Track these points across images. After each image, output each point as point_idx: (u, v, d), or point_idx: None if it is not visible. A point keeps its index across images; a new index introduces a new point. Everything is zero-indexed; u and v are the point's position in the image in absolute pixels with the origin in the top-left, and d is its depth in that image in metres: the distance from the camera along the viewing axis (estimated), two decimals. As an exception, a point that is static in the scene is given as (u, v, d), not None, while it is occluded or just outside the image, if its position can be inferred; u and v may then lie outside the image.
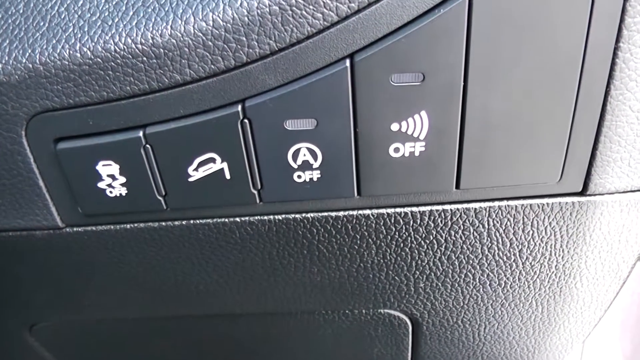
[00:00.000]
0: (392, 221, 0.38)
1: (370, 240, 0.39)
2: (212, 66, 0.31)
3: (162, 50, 0.30)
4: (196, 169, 0.34)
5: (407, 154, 0.34)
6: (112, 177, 0.34)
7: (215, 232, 0.38)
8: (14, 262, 0.41)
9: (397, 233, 0.38)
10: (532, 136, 0.33)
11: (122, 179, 0.34)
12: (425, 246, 0.39)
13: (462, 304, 0.44)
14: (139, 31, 0.30)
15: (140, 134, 0.33)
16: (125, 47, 0.30)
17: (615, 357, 0.76)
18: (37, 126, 0.33)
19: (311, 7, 0.29)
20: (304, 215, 0.37)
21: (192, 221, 0.38)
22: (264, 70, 0.31)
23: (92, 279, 0.42)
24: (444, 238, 0.39)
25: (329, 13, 0.30)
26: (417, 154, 0.34)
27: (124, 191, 0.35)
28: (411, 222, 0.38)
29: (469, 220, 0.38)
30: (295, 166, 0.34)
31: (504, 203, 0.37)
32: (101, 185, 0.35)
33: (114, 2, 0.31)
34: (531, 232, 0.39)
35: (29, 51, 0.31)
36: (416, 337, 0.48)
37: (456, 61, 0.31)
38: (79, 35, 0.31)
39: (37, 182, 0.35)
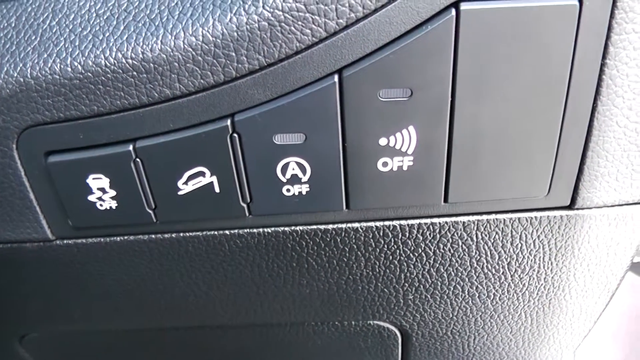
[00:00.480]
0: (381, 234, 0.38)
1: (359, 252, 0.39)
2: (202, 81, 0.31)
3: (152, 64, 0.31)
4: (186, 183, 0.34)
5: (395, 169, 0.34)
6: (103, 190, 0.34)
7: (205, 244, 0.38)
8: (5, 274, 0.41)
9: (385, 246, 0.39)
10: (520, 151, 0.34)
11: (112, 192, 0.34)
12: (414, 259, 0.39)
13: (451, 315, 0.44)
14: (130, 46, 0.31)
15: (130, 147, 0.33)
16: (115, 61, 0.31)
17: (607, 366, 0.76)
18: (28, 140, 0.33)
19: (300, 23, 0.30)
20: (293, 228, 0.38)
21: (181, 234, 0.38)
22: (253, 85, 0.31)
23: (82, 291, 0.42)
24: (432, 251, 0.39)
25: (317, 29, 0.30)
26: (405, 168, 0.34)
27: (114, 204, 0.35)
28: (400, 235, 0.38)
29: (457, 234, 0.38)
30: (284, 180, 0.34)
31: (492, 216, 0.37)
32: (91, 198, 0.35)
33: (105, 17, 0.31)
34: (520, 245, 0.39)
35: (20, 65, 0.31)
36: (406, 348, 0.48)
37: (444, 77, 0.31)
38: (70, 50, 0.31)
39: (28, 195, 0.35)
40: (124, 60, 0.31)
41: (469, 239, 0.38)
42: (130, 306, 0.43)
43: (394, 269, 0.40)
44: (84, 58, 0.31)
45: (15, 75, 0.31)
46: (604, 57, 0.31)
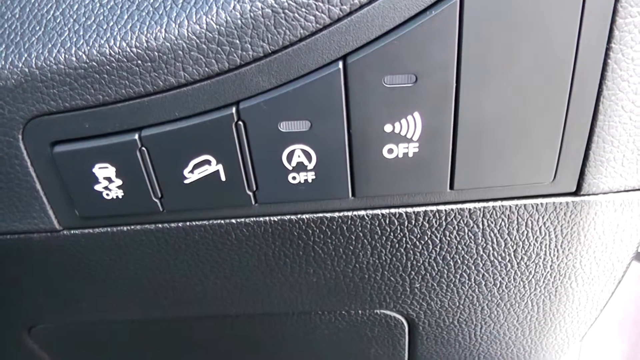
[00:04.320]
0: (387, 222, 0.38)
1: (365, 241, 0.39)
2: (206, 69, 0.31)
3: (156, 53, 0.31)
4: (192, 171, 0.34)
5: (400, 155, 0.34)
6: (109, 179, 0.34)
7: (212, 233, 0.38)
8: (13, 265, 0.41)
9: (392, 234, 0.39)
10: (525, 136, 0.34)
11: (119, 182, 0.35)
12: (420, 247, 0.39)
13: (457, 304, 0.44)
14: (134, 35, 0.31)
15: (136, 136, 0.33)
16: (120, 50, 0.31)
17: (614, 356, 0.77)
18: (33, 130, 0.33)
19: (303, 9, 0.30)
20: (299, 216, 0.38)
21: (188, 223, 0.38)
22: (258, 72, 0.31)
23: (90, 281, 0.42)
24: (438, 238, 0.39)
25: (321, 15, 0.30)
26: (410, 155, 0.34)
27: (120, 194, 0.35)
28: (406, 223, 0.38)
29: (463, 221, 0.38)
30: (290, 168, 0.34)
31: (498, 203, 0.37)
32: (98, 188, 0.35)
33: (108, 6, 0.32)
34: (526, 232, 0.39)
35: (25, 55, 0.31)
36: (412, 337, 0.48)
37: (449, 62, 0.31)
38: (75, 39, 0.31)
39: (34, 186, 0.35)
40: (128, 49, 0.31)
41: (475, 226, 0.38)
42: (138, 296, 0.44)
43: (400, 257, 0.40)
44: (88, 47, 0.31)
45: (20, 65, 0.31)
46: (609, 41, 0.31)
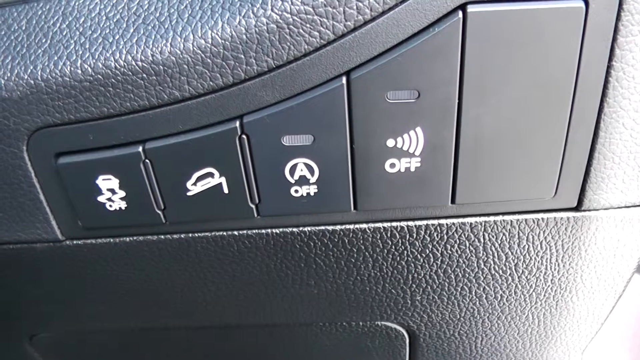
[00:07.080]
0: (389, 235, 0.38)
1: (366, 253, 0.39)
2: (211, 83, 0.31)
3: (161, 67, 0.31)
4: (195, 184, 0.34)
5: (402, 170, 0.34)
6: (112, 191, 0.35)
7: (214, 245, 0.39)
8: (15, 273, 0.41)
9: (393, 247, 0.39)
10: (526, 152, 0.34)
11: (122, 193, 0.35)
12: (422, 260, 0.40)
13: (458, 316, 0.44)
14: (139, 48, 0.31)
15: (140, 149, 0.33)
16: (125, 64, 0.31)
17: (615, 368, 0.76)
18: (38, 141, 0.33)
19: (308, 25, 0.30)
20: (301, 229, 0.38)
21: (190, 234, 0.38)
22: (262, 87, 0.31)
23: (92, 291, 0.42)
24: (439, 252, 0.39)
25: (325, 31, 0.30)
26: (412, 169, 0.34)
27: (123, 205, 0.35)
28: (407, 236, 0.38)
29: (464, 235, 0.38)
30: (293, 181, 0.34)
31: (499, 218, 0.38)
32: (101, 199, 0.35)
33: (114, 20, 0.32)
34: (527, 246, 0.39)
35: (31, 67, 0.32)
36: (413, 349, 0.48)
37: (451, 79, 0.31)
38: (80, 52, 0.31)
39: (38, 196, 0.35)
40: (133, 63, 0.31)
41: (476, 240, 0.38)
42: (139, 306, 0.44)
43: (401, 269, 0.40)
44: (94, 60, 0.31)
45: (26, 77, 0.32)
46: (610, 59, 0.31)
